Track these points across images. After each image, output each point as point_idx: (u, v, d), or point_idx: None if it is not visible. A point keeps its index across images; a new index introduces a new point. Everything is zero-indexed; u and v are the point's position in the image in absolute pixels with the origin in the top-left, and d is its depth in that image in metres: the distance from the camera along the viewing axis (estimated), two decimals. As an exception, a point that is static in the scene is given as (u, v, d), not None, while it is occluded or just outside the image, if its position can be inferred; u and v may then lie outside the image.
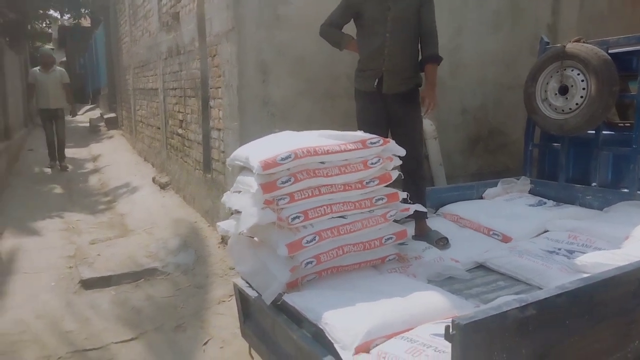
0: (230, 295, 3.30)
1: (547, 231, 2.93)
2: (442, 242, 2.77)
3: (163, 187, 6.17)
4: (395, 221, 2.36)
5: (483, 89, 4.53)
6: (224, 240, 4.12)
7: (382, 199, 2.29)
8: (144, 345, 2.91)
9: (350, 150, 2.21)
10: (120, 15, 10.11)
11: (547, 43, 3.65)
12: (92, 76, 19.07)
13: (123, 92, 10.54)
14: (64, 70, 8.15)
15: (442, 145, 4.11)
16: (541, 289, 2.11)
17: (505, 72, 4.53)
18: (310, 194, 2.12)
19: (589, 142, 3.33)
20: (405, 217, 2.49)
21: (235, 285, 2.45)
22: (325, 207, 2.15)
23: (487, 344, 1.36)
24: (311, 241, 2.07)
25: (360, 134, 2.34)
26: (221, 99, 4.08)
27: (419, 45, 2.93)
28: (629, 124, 3.31)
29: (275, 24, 3.58)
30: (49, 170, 7.91)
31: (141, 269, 3.81)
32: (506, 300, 1.47)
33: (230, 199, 2.34)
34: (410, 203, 2.41)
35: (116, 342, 2.92)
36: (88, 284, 3.60)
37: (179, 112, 5.63)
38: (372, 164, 2.25)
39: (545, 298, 1.48)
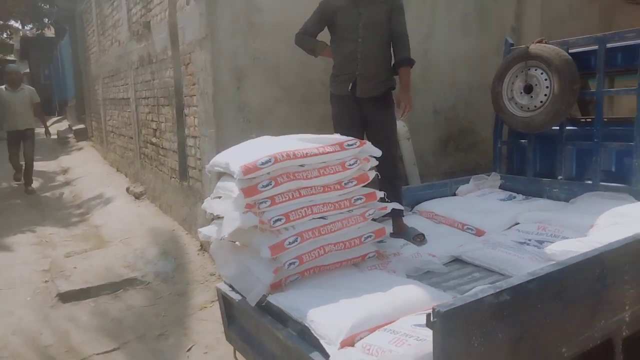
0: (212, 301, 3.30)
1: (518, 223, 3.05)
2: (419, 239, 2.84)
3: (138, 196, 6.09)
4: (373, 220, 2.43)
5: (453, 91, 4.66)
6: (203, 247, 4.11)
7: (360, 198, 2.35)
8: (127, 355, 2.89)
9: (328, 152, 2.26)
10: (88, 25, 9.92)
11: (512, 45, 3.79)
12: (59, 87, 18.61)
13: (92, 102, 10.34)
14: (33, 89, 7.43)
15: (415, 146, 4.21)
16: (514, 278, 2.21)
17: (474, 74, 4.66)
18: (291, 197, 2.17)
19: (553, 137, 3.47)
20: (383, 216, 2.56)
21: (218, 290, 2.47)
22: (305, 208, 2.20)
23: (465, 330, 1.43)
24: (293, 242, 2.12)
25: (337, 137, 2.39)
26: (196, 106, 4.08)
27: (391, 49, 3.01)
28: (590, 119, 3.45)
29: (250, 31, 3.61)
30: (16, 184, 7.65)
31: (120, 280, 3.78)
32: (482, 288, 1.54)
33: (211, 205, 2.37)
34: (387, 202, 2.49)
35: (98, 354, 2.89)
36: (66, 297, 3.54)
37: (152, 120, 5.58)
38: (349, 165, 2.31)
39: (518, 284, 1.56)
